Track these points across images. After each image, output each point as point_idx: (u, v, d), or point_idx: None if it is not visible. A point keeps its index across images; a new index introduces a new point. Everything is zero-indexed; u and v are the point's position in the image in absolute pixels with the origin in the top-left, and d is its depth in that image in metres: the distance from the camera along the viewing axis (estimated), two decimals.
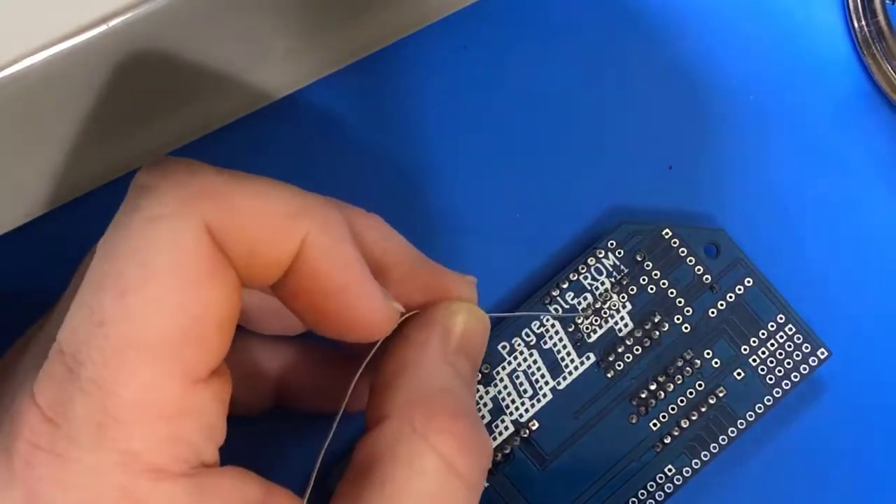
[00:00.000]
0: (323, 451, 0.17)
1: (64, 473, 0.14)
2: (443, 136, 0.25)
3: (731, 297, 0.24)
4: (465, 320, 0.19)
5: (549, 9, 0.26)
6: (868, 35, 0.27)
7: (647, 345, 0.24)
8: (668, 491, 0.23)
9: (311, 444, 0.23)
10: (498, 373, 0.23)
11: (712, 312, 0.24)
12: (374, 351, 0.18)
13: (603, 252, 0.24)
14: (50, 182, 0.22)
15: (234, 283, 0.16)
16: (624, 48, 0.27)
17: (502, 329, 0.24)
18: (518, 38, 0.26)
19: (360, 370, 0.18)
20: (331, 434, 0.18)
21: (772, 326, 0.24)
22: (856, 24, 0.27)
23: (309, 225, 0.16)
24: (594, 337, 0.24)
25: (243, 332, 0.21)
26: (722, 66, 0.27)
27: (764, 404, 0.23)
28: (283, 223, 0.16)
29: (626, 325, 0.24)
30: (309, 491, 0.17)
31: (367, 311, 0.17)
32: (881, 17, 0.27)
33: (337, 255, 0.17)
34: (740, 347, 0.24)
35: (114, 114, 0.21)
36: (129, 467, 0.14)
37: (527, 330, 0.24)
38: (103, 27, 0.17)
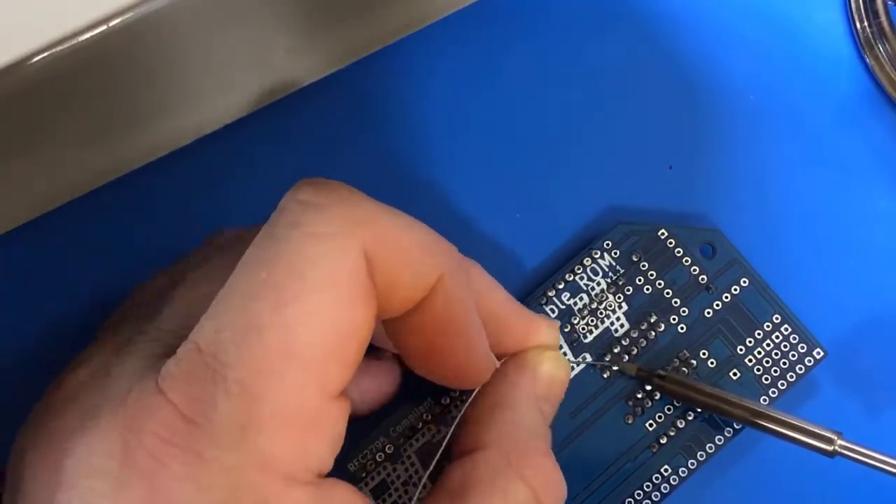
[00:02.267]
0: (432, 465, 0.20)
1: (200, 472, 0.15)
2: (442, 136, 0.26)
3: (727, 298, 0.25)
4: (552, 367, 0.21)
5: (549, 9, 0.27)
6: (870, 36, 0.28)
7: (644, 345, 0.24)
8: (664, 491, 0.24)
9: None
10: None
11: (708, 313, 0.24)
12: (471, 399, 0.21)
13: (599, 252, 0.25)
14: (50, 182, 0.22)
15: (376, 309, 0.17)
16: (624, 49, 0.27)
17: None
18: (517, 38, 0.27)
19: (460, 416, 0.21)
20: (444, 443, 0.20)
21: (768, 326, 0.24)
22: (858, 25, 0.28)
23: (445, 269, 0.17)
24: (590, 337, 0.24)
25: None
26: (722, 67, 0.27)
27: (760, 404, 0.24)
28: (427, 261, 0.17)
29: (622, 326, 0.24)
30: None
31: (476, 359, 0.19)
32: (883, 18, 0.28)
33: (463, 302, 0.18)
34: (736, 347, 0.24)
35: (113, 114, 0.21)
36: (265, 472, 0.15)
37: None
38: (103, 27, 0.18)
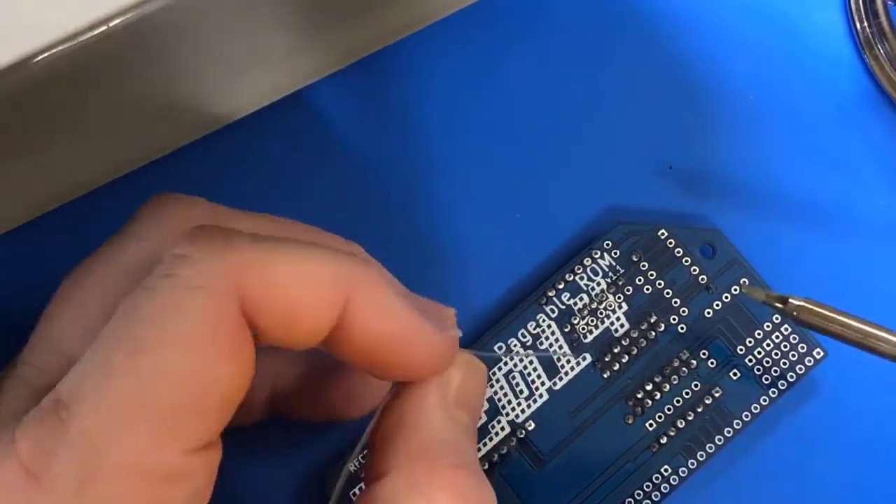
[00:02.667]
0: (345, 470, 0.18)
1: None
2: (442, 136, 0.26)
3: (726, 298, 0.25)
4: (463, 372, 0.19)
5: (549, 9, 0.27)
6: (870, 36, 0.28)
7: (644, 345, 0.24)
8: (664, 491, 0.24)
9: (302, 452, 0.24)
10: (494, 373, 0.24)
11: (708, 313, 0.25)
12: (369, 429, 0.19)
13: (599, 252, 0.25)
14: (50, 182, 0.22)
15: (249, 363, 0.16)
16: (623, 49, 0.27)
17: (499, 330, 0.25)
18: (517, 38, 0.27)
19: (363, 440, 0.19)
20: (358, 447, 0.19)
21: (767, 326, 0.25)
22: (857, 25, 0.28)
23: (350, 288, 0.17)
24: (590, 337, 0.25)
25: None
26: (722, 67, 0.28)
27: (760, 404, 0.24)
28: (324, 288, 0.16)
29: (622, 326, 0.25)
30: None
31: (425, 351, 0.18)
32: (883, 18, 0.28)
33: (383, 310, 0.17)
34: (736, 347, 0.25)
35: (113, 114, 0.21)
36: None
37: (523, 331, 0.25)
38: (103, 27, 0.18)
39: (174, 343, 0.15)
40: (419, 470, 0.17)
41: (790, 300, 0.22)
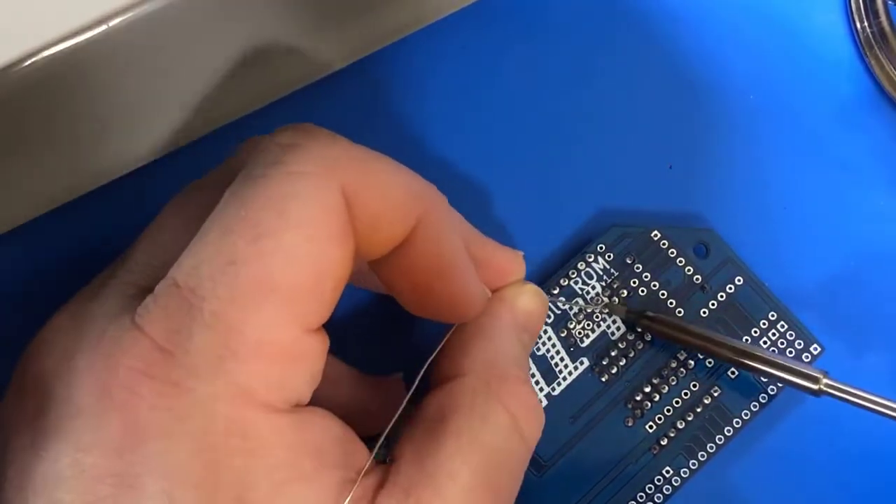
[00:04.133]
0: (401, 408, 0.20)
1: (176, 402, 0.16)
2: (441, 136, 0.27)
3: (722, 297, 0.25)
4: (530, 299, 0.22)
5: (548, 9, 0.28)
6: (870, 36, 0.29)
7: (641, 347, 0.25)
8: (666, 493, 0.24)
9: None
10: None
11: (704, 312, 0.25)
12: (452, 330, 0.21)
13: (593, 256, 0.25)
14: (50, 182, 0.23)
15: (353, 248, 0.17)
16: (623, 49, 0.28)
17: None
18: (516, 38, 0.28)
19: (441, 344, 0.21)
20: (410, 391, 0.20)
21: (764, 324, 0.25)
22: (858, 26, 0.29)
23: (426, 207, 0.19)
24: (587, 342, 0.25)
25: None
26: (722, 67, 0.28)
27: (759, 402, 0.25)
28: (407, 201, 0.18)
29: (618, 329, 0.25)
30: (380, 441, 0.19)
31: (466, 293, 0.20)
32: (883, 19, 0.28)
33: (448, 239, 0.19)
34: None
35: (113, 114, 0.22)
36: (242, 400, 0.16)
37: None
38: (103, 27, 0.19)
39: (295, 227, 0.16)
40: (494, 376, 0.20)
41: (644, 317, 0.25)
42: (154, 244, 0.19)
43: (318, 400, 0.23)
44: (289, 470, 0.16)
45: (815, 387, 0.23)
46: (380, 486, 0.18)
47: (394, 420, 0.19)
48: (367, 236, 0.18)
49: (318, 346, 0.17)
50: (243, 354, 0.16)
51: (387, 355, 0.25)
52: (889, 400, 0.23)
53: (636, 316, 0.25)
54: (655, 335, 0.25)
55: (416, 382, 0.20)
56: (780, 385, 0.25)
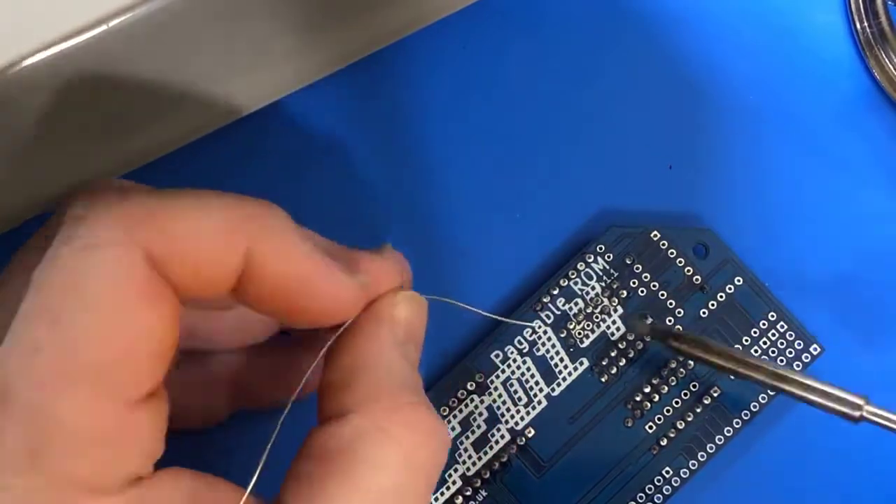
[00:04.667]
0: (271, 441, 0.19)
1: None
2: (440, 136, 0.27)
3: (721, 297, 0.25)
4: (407, 308, 0.20)
5: (548, 9, 0.28)
6: (870, 36, 0.29)
7: (640, 348, 0.25)
8: (666, 493, 0.24)
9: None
10: (492, 381, 0.25)
11: (703, 313, 0.25)
12: (339, 333, 0.20)
13: (592, 257, 0.26)
14: (50, 182, 0.23)
15: (172, 309, 0.17)
16: (622, 50, 0.28)
17: (495, 338, 0.25)
18: (517, 38, 0.28)
19: (322, 352, 0.20)
20: (280, 421, 0.19)
21: (763, 324, 0.25)
22: (858, 26, 0.29)
23: (250, 233, 0.17)
24: (587, 342, 0.25)
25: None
26: (722, 68, 0.29)
27: (759, 402, 0.25)
28: (222, 239, 0.17)
29: (618, 329, 0.25)
30: (254, 480, 0.18)
31: (334, 295, 0.19)
32: (883, 19, 0.29)
33: (287, 253, 0.18)
34: (733, 346, 0.25)
35: (113, 114, 0.22)
36: (68, 490, 0.15)
37: (519, 338, 0.25)
38: (103, 27, 0.19)
39: (89, 304, 0.16)
40: (381, 409, 0.18)
41: (671, 336, 0.24)
42: None
43: (244, 385, 0.23)
44: None
45: (856, 414, 0.22)
46: None
47: (263, 459, 0.18)
48: (193, 283, 0.17)
49: (148, 416, 0.16)
50: (60, 443, 0.15)
51: None
52: None
53: (663, 335, 0.24)
54: (683, 356, 0.24)
55: (284, 415, 0.19)
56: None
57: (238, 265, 0.17)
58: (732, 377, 0.24)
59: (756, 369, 0.23)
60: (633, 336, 0.25)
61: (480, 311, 0.25)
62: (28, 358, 0.15)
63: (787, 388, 0.23)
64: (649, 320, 0.25)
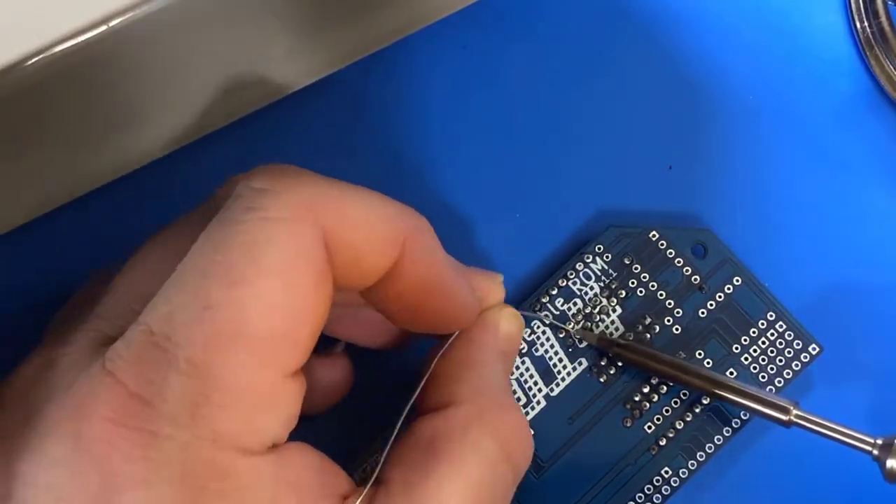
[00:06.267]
0: (395, 433, 0.20)
1: (154, 451, 0.16)
2: (440, 136, 0.28)
3: (720, 297, 0.26)
4: (510, 324, 0.23)
5: (548, 10, 0.29)
6: (870, 36, 0.29)
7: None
8: (665, 493, 0.25)
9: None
10: None
11: (702, 313, 0.26)
12: (452, 339, 0.22)
13: (591, 257, 0.26)
14: (50, 182, 0.23)
15: (331, 291, 0.18)
16: (622, 50, 0.29)
17: None
18: (516, 39, 0.29)
19: (440, 354, 0.22)
20: (400, 420, 0.21)
21: (762, 324, 0.26)
22: (858, 26, 0.29)
23: (408, 233, 0.19)
24: (585, 342, 0.26)
25: None
26: (722, 67, 0.29)
27: None
28: (387, 232, 0.19)
29: (616, 329, 0.26)
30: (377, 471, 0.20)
31: (462, 304, 0.21)
32: (883, 18, 0.29)
33: (434, 258, 0.20)
34: (731, 346, 0.26)
35: (113, 115, 0.22)
36: (219, 445, 0.16)
37: None
38: (103, 27, 0.19)
39: (270, 274, 0.17)
40: (486, 405, 0.20)
41: (616, 344, 0.25)
42: (128, 286, 0.19)
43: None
44: None
45: (785, 418, 0.24)
46: None
47: (387, 449, 0.20)
48: (350, 271, 0.18)
49: (294, 390, 0.18)
50: (220, 401, 0.16)
51: (379, 370, 0.26)
52: (856, 431, 0.23)
53: (608, 343, 0.25)
54: (626, 363, 0.25)
55: (409, 406, 0.21)
56: (778, 385, 0.25)
57: (392, 259, 0.19)
58: (671, 383, 0.25)
59: (693, 375, 0.25)
60: (632, 336, 0.26)
61: (564, 326, 0.26)
62: (199, 313, 0.16)
63: (722, 393, 0.24)
64: (597, 330, 0.26)
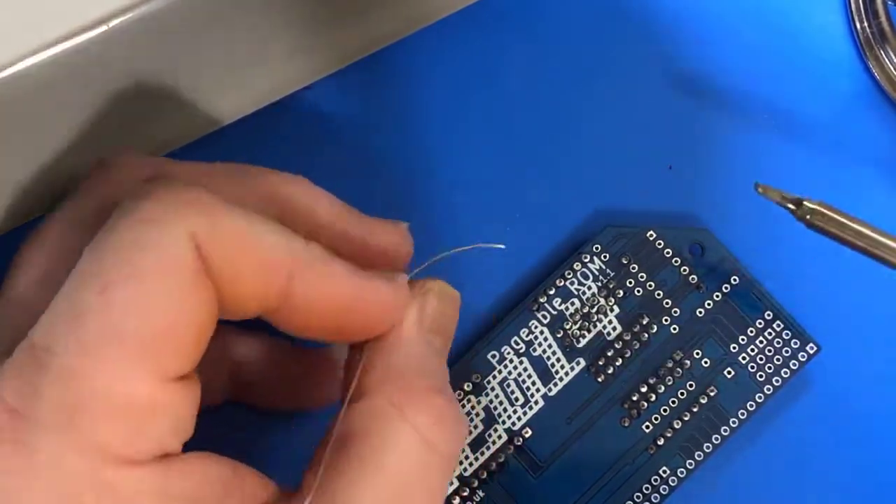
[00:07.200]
0: (330, 443, 0.19)
1: (26, 462, 0.16)
2: (440, 135, 0.28)
3: (717, 297, 0.26)
4: (437, 298, 0.21)
5: (548, 10, 0.29)
6: (870, 36, 0.29)
7: (637, 347, 0.26)
8: (663, 493, 0.25)
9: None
10: (489, 382, 0.26)
11: (700, 312, 0.26)
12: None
13: (588, 256, 0.26)
14: (50, 182, 0.24)
15: (213, 298, 0.17)
16: (622, 49, 0.29)
17: (491, 338, 0.26)
18: (516, 38, 0.29)
19: (355, 382, 0.20)
20: (337, 423, 0.19)
21: (760, 324, 0.26)
22: (858, 26, 0.30)
23: (294, 261, 0.18)
24: (583, 342, 0.26)
25: None
26: (721, 67, 0.29)
27: (755, 402, 0.26)
28: (265, 254, 0.18)
29: (614, 329, 0.26)
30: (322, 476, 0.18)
31: (381, 306, 0.20)
32: (883, 19, 0.29)
33: (331, 278, 0.19)
34: (729, 346, 0.26)
35: (113, 114, 0.23)
36: (96, 456, 0.16)
37: (516, 338, 0.26)
38: (103, 27, 0.19)
39: (141, 276, 0.16)
40: (398, 391, 0.19)
41: (805, 203, 0.23)
42: (12, 301, 0.19)
43: (251, 376, 0.24)
44: None
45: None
46: None
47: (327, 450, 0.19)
48: (231, 290, 0.18)
49: (181, 395, 0.17)
50: (94, 408, 0.16)
51: None
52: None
53: (796, 200, 0.24)
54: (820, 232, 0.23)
55: (340, 419, 0.20)
56: (776, 384, 0.26)
57: (279, 286, 0.18)
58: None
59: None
60: (629, 336, 0.26)
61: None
62: (73, 320, 0.16)
63: None
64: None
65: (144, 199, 0.17)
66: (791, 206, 0.24)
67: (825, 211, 0.23)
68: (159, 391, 0.17)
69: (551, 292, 0.26)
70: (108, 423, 0.16)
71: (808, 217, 0.23)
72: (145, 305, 0.16)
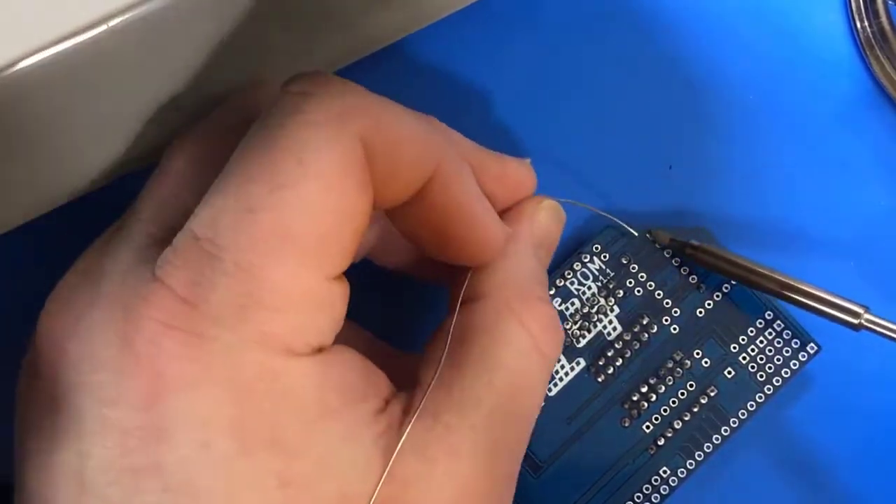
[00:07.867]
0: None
1: (201, 352, 0.16)
2: None
3: (717, 297, 0.26)
4: (548, 215, 0.23)
5: (548, 10, 0.29)
6: (871, 36, 0.30)
7: (637, 348, 0.26)
8: (663, 493, 0.25)
9: None
10: None
11: (700, 312, 0.26)
12: (466, 283, 0.22)
13: (588, 257, 0.27)
14: (50, 182, 0.24)
15: (371, 200, 0.18)
16: (623, 49, 0.29)
17: None
18: (517, 38, 0.29)
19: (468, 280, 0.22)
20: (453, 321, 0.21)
21: (760, 323, 0.26)
22: (858, 25, 0.30)
23: (441, 154, 0.19)
24: (583, 342, 0.26)
25: None
26: (722, 67, 0.29)
27: (756, 401, 0.26)
28: (424, 149, 0.19)
29: (614, 329, 0.26)
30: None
31: (488, 234, 0.21)
32: (884, 18, 0.29)
33: (464, 185, 0.20)
34: (729, 346, 0.26)
35: (113, 115, 0.23)
36: (266, 346, 0.17)
37: None
38: (103, 27, 0.19)
39: (314, 176, 0.17)
40: (515, 297, 0.21)
41: (687, 247, 0.26)
42: (162, 193, 0.19)
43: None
44: (318, 408, 0.17)
45: (855, 321, 0.24)
46: (405, 411, 0.19)
47: (445, 351, 0.20)
48: (384, 184, 0.18)
49: (339, 293, 0.18)
50: (266, 302, 0.17)
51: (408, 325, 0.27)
52: None
53: (679, 244, 0.26)
54: (699, 264, 0.26)
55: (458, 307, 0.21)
56: (776, 384, 0.26)
57: (425, 177, 0.19)
58: (739, 283, 0.26)
59: (765, 277, 0.25)
60: (629, 336, 0.26)
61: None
62: (244, 216, 0.17)
63: (792, 295, 0.25)
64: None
65: (310, 101, 0.18)
66: (677, 247, 0.26)
67: (706, 249, 0.26)
68: (324, 287, 0.18)
69: (551, 292, 0.26)
70: (278, 318, 0.17)
71: (688, 252, 0.26)
72: (316, 207, 0.17)
